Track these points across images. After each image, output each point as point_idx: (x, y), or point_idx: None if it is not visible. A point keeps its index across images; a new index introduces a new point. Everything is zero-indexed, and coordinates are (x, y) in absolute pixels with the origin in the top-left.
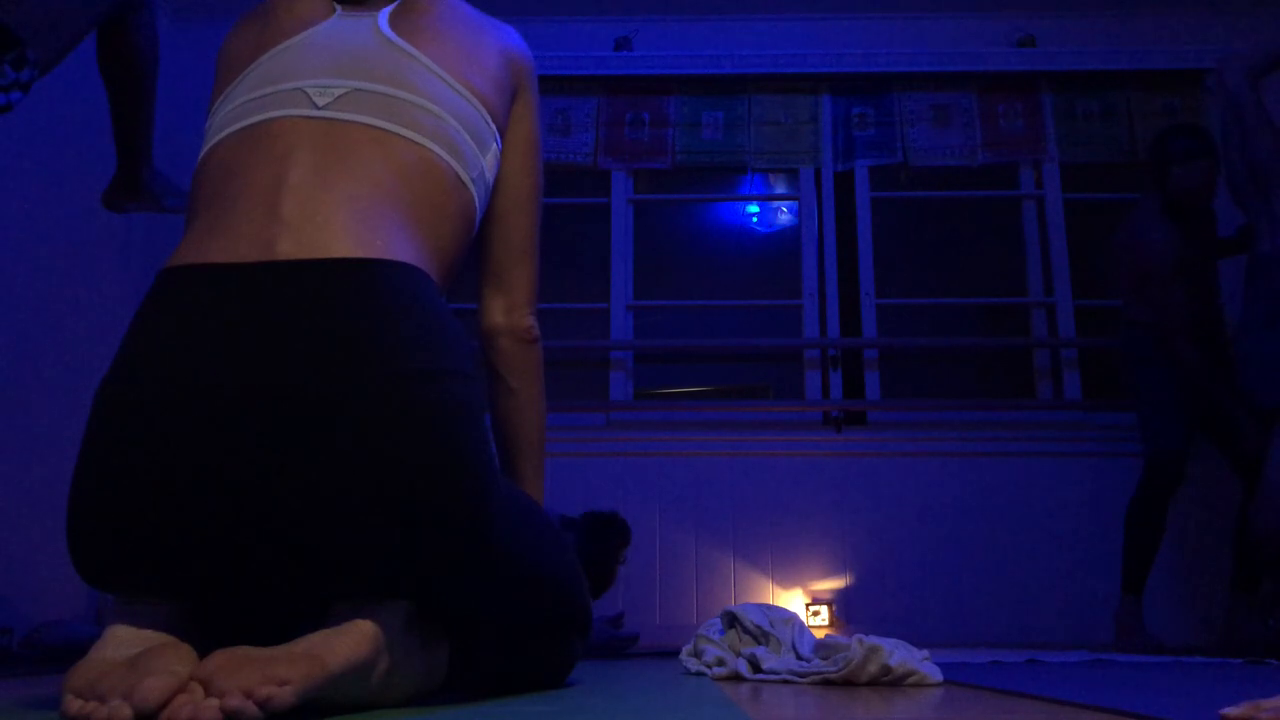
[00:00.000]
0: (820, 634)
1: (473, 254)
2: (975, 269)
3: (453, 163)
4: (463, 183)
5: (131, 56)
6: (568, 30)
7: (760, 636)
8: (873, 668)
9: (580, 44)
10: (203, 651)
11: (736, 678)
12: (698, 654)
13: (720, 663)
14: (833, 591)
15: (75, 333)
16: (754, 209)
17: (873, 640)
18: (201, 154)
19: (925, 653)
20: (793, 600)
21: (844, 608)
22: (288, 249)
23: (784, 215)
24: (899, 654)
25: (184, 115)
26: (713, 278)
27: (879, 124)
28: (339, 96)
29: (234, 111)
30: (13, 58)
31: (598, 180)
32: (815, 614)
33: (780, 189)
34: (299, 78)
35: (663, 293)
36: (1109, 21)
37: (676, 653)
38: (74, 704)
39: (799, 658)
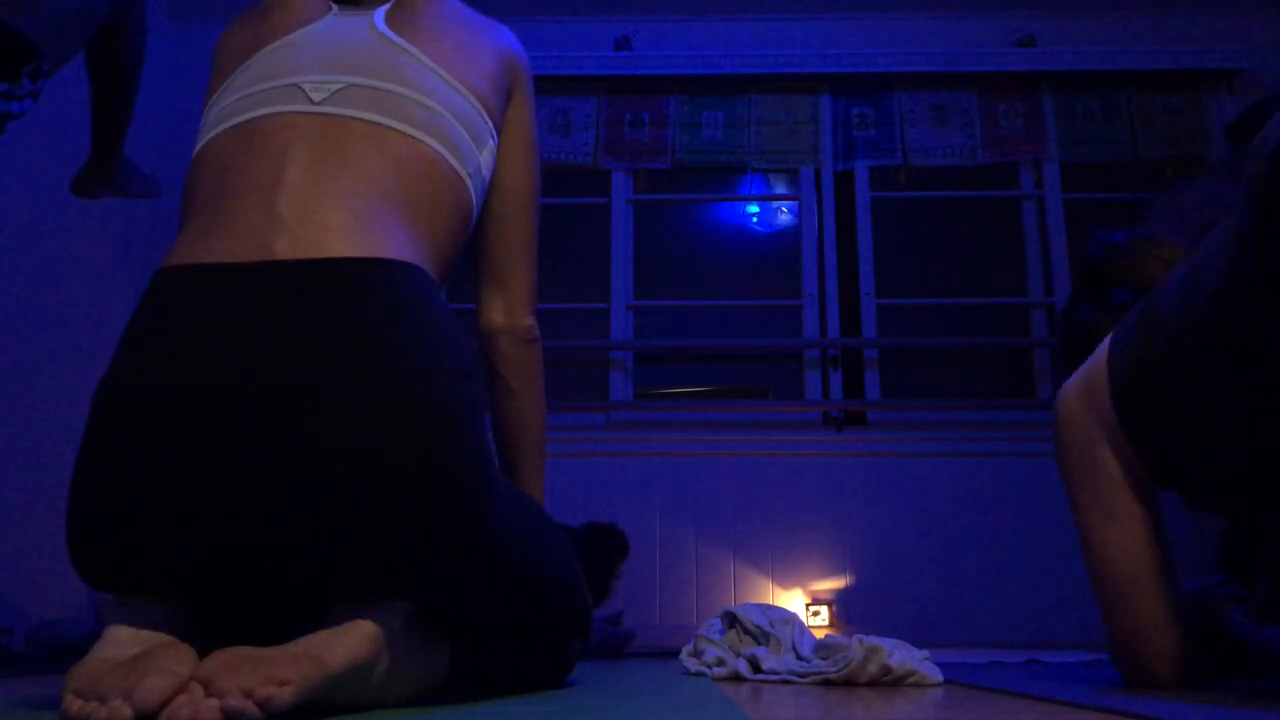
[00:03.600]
0: (820, 634)
1: (471, 253)
2: (975, 269)
3: (449, 157)
4: (459, 178)
5: (121, 51)
6: (568, 30)
7: (760, 637)
8: (873, 668)
9: (580, 44)
10: (203, 651)
11: (736, 678)
12: (698, 654)
13: (720, 663)
14: (833, 591)
15: (75, 333)
16: (754, 209)
17: (873, 640)
18: (196, 150)
19: (925, 653)
20: (793, 600)
21: (844, 608)
22: (285, 249)
23: (784, 215)
24: (899, 654)
25: (183, 115)
26: (713, 278)
27: (879, 124)
28: (335, 92)
29: (229, 108)
30: (31, 69)
31: (598, 180)
32: (815, 614)
33: (780, 189)
34: (295, 74)
35: (663, 293)
36: (1109, 21)
37: (676, 653)
38: (74, 704)
39: (799, 658)
